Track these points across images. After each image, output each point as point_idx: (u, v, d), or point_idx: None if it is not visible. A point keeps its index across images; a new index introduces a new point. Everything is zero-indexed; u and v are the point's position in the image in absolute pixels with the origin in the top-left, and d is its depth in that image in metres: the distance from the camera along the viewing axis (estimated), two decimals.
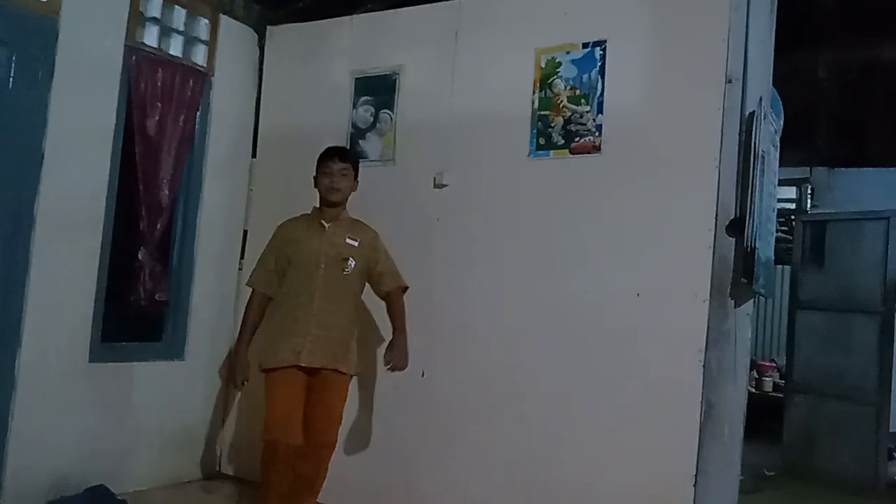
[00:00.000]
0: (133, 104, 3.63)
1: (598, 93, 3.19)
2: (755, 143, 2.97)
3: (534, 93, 3.35)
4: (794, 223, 6.31)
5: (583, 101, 3.22)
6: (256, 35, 4.29)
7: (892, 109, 5.05)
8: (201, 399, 4.07)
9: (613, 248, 3.10)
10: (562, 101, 3.27)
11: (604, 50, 3.19)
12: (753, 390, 7.00)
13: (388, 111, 3.76)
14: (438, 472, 3.42)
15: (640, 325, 3.00)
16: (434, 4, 3.71)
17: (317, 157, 3.24)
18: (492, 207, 3.43)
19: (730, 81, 2.94)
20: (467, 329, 3.43)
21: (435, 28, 3.70)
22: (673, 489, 2.85)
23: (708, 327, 2.87)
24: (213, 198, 4.09)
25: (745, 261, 2.98)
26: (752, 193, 2.94)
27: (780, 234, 6.60)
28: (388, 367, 3.11)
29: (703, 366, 2.85)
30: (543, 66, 3.33)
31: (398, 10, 3.85)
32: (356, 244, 3.16)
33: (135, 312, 3.74)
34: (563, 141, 3.26)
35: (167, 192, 3.81)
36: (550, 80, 3.31)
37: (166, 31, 3.85)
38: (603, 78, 3.18)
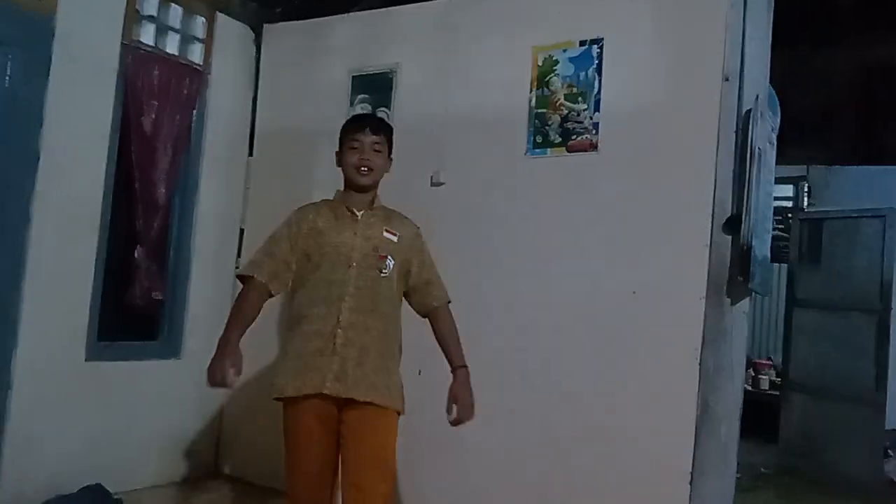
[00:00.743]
0: (129, 102, 3.62)
1: (595, 91, 3.19)
2: (752, 142, 2.97)
3: (531, 91, 3.35)
4: (791, 221, 6.31)
5: (580, 99, 3.22)
6: (253, 33, 4.28)
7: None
8: (198, 398, 4.06)
9: (610, 247, 3.11)
10: (559, 99, 3.27)
11: (601, 48, 3.19)
12: (750, 388, 7.00)
13: (385, 109, 3.76)
14: (434, 472, 3.42)
15: (637, 324, 3.00)
16: (431, 2, 3.70)
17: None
18: (488, 206, 3.42)
19: (727, 79, 2.94)
20: (463, 327, 3.42)
21: (432, 26, 3.70)
22: (669, 487, 2.85)
23: (704, 326, 2.87)
24: (210, 196, 4.08)
25: (742, 259, 2.99)
26: (748, 191, 2.95)
27: (777, 231, 6.60)
28: (452, 419, 2.44)
29: (700, 364, 2.86)
30: (540, 63, 3.33)
31: (395, 7, 3.84)
32: (395, 239, 2.49)
33: (131, 311, 3.74)
34: (560, 139, 3.26)
35: (164, 190, 3.80)
36: (547, 77, 3.31)
37: (163, 30, 3.85)
38: (600, 76, 3.18)
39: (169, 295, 3.93)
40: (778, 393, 6.23)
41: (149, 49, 3.73)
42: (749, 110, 3.02)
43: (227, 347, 2.33)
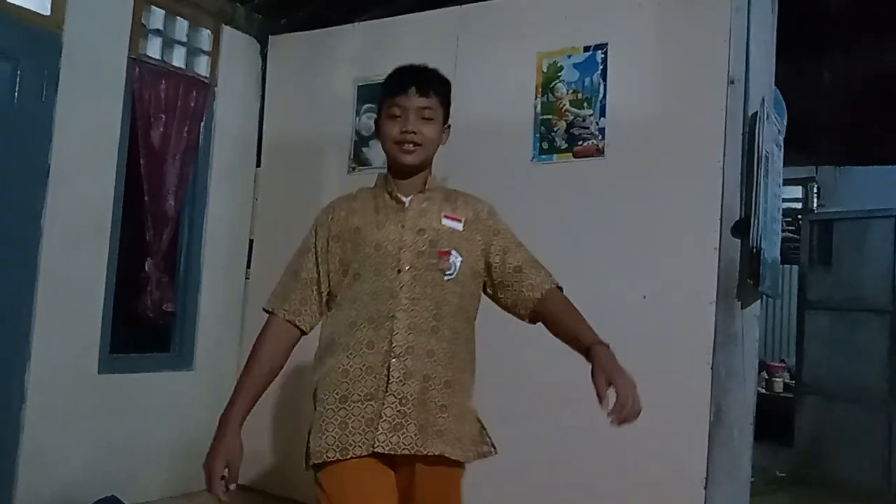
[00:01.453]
0: (137, 116, 3.65)
1: (601, 96, 3.19)
2: (759, 144, 2.96)
3: (536, 97, 3.35)
4: (800, 222, 6.28)
5: (585, 104, 3.22)
6: (259, 45, 4.30)
7: None
8: (210, 408, 4.04)
9: (619, 252, 3.10)
10: (564, 105, 3.27)
11: (605, 53, 3.19)
12: (764, 391, 6.97)
13: None
14: None
15: (647, 329, 2.99)
16: (435, 11, 3.72)
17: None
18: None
19: (732, 83, 2.93)
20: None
21: (436, 34, 3.70)
22: (683, 493, 2.83)
23: (715, 330, 2.86)
24: (219, 208, 4.10)
25: (752, 262, 2.97)
26: (756, 194, 2.93)
27: (787, 233, 6.58)
28: (614, 417, 1.59)
29: (712, 369, 2.84)
30: (545, 70, 3.33)
31: (400, 17, 3.85)
32: (461, 227, 1.87)
33: (142, 323, 3.76)
34: (566, 145, 3.26)
35: (173, 202, 3.82)
36: (552, 84, 3.31)
37: (169, 43, 3.88)
38: (605, 81, 3.18)
39: (180, 306, 3.95)
40: (792, 395, 6.19)
41: (155, 62, 3.76)
42: (755, 113, 3.01)
43: (221, 436, 1.76)
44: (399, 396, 1.71)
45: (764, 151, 2.97)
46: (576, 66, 3.26)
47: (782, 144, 3.31)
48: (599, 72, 3.20)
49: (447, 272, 1.81)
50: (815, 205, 6.17)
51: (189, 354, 3.99)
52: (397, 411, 1.70)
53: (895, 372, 5.12)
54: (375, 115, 1.95)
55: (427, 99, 1.84)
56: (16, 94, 3.16)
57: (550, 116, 3.30)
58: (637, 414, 1.62)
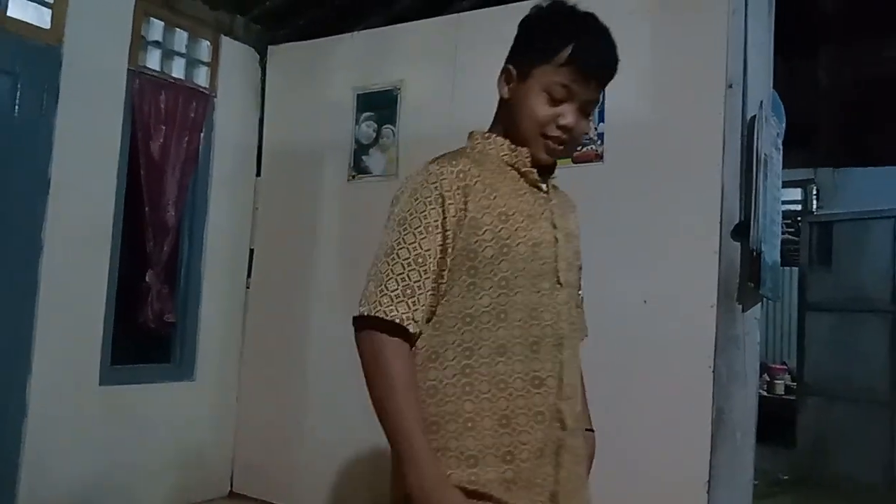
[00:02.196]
0: (137, 127, 3.66)
1: (599, 101, 3.18)
2: (757, 147, 2.96)
3: None
4: (800, 224, 6.29)
5: None
6: (258, 55, 4.31)
7: None
8: (213, 418, 4.07)
9: (619, 256, 3.10)
10: None
11: None
12: (765, 393, 6.96)
13: (391, 126, 3.78)
14: None
15: (649, 333, 2.99)
16: (433, 19, 3.73)
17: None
18: None
19: (730, 86, 2.94)
20: None
21: (435, 43, 3.72)
22: (686, 496, 2.83)
23: (716, 333, 2.86)
24: (219, 217, 4.11)
25: (752, 265, 2.97)
26: (756, 197, 2.93)
27: (786, 235, 6.59)
28: None
29: (713, 372, 2.84)
30: None
31: (398, 25, 3.87)
32: (577, 233, 1.56)
33: (144, 334, 3.76)
34: None
35: (173, 213, 3.83)
36: None
37: (168, 54, 3.89)
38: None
39: (180, 317, 3.94)
40: (794, 397, 6.19)
41: (155, 74, 3.77)
42: (754, 116, 3.02)
43: (434, 484, 1.32)
44: (572, 453, 1.34)
45: (763, 154, 2.98)
46: None
47: (781, 147, 3.32)
48: None
49: (580, 291, 1.51)
50: (814, 206, 6.18)
51: (190, 365, 3.99)
52: (567, 475, 1.33)
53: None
54: (512, 68, 1.52)
55: (600, 93, 1.50)
56: (16, 107, 3.18)
57: None
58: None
